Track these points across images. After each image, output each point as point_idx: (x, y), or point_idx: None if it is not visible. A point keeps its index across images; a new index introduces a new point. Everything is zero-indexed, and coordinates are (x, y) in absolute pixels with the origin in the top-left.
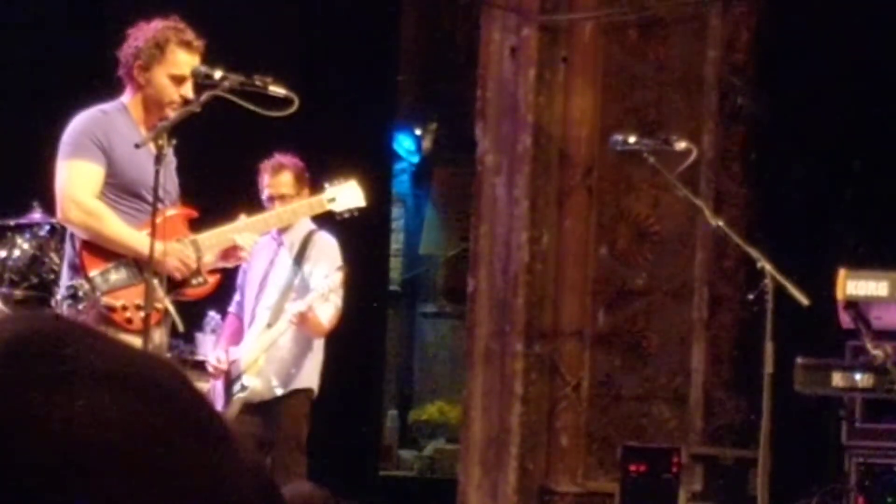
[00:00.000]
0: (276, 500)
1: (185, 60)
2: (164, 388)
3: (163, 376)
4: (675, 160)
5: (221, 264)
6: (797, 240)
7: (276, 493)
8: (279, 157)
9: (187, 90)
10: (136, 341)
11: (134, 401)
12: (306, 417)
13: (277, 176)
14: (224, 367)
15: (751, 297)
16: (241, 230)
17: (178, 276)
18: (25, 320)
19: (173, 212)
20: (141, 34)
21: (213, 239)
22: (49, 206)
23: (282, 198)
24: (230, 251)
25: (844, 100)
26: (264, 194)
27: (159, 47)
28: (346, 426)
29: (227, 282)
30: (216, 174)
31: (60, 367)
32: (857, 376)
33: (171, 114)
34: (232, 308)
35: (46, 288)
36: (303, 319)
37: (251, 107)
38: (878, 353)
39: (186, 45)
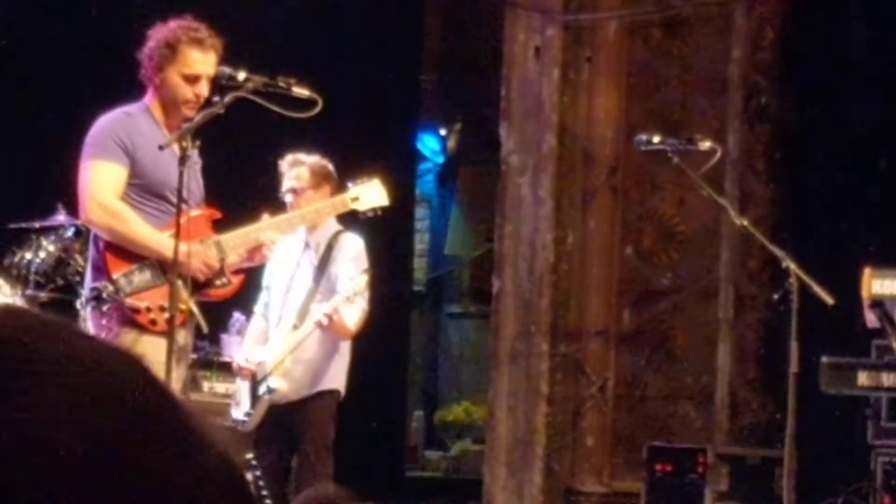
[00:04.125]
0: (245, 499)
1: (196, 59)
2: (120, 389)
3: (121, 373)
4: (699, 160)
5: (247, 264)
6: (822, 239)
7: (245, 493)
8: (300, 154)
9: (202, 89)
10: (160, 343)
11: (82, 404)
12: (333, 418)
13: (293, 170)
14: (252, 367)
15: (776, 296)
16: (265, 230)
17: (200, 277)
18: None
19: (197, 212)
20: (155, 35)
21: (237, 239)
22: (73, 208)
23: (294, 191)
24: (255, 250)
25: (869, 98)
26: (281, 188)
27: (170, 47)
28: (371, 427)
29: (252, 283)
30: (240, 175)
31: (5, 370)
32: (883, 375)
33: (189, 113)
34: (258, 308)
35: (72, 290)
36: (328, 322)
37: (275, 108)
38: None
39: (198, 43)
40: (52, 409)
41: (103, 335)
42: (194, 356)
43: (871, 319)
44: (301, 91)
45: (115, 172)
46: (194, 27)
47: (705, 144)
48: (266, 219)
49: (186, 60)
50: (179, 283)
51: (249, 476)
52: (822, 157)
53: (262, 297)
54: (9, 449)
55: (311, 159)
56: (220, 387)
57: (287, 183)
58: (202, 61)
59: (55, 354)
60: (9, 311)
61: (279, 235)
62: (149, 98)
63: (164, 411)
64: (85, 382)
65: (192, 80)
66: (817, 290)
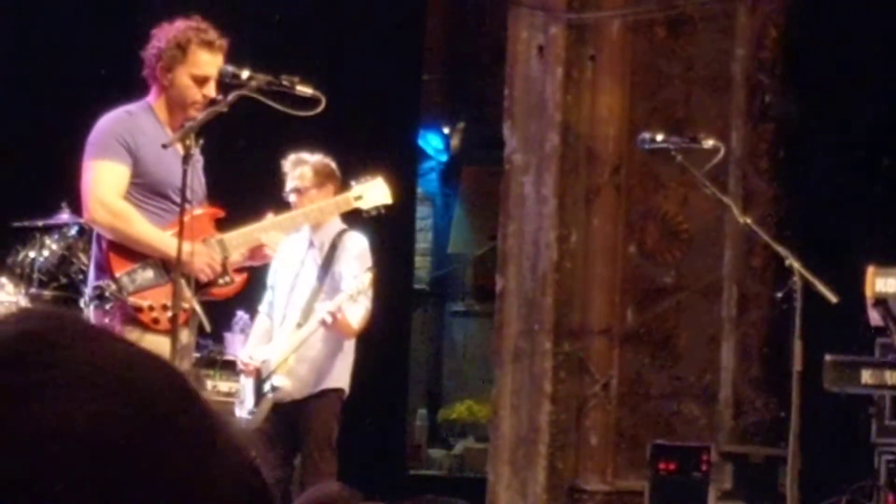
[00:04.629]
0: (265, 502)
1: (206, 61)
2: (147, 392)
3: (150, 376)
4: (703, 158)
5: (249, 263)
6: (825, 237)
7: (266, 496)
8: (302, 154)
9: (210, 90)
10: (163, 341)
11: (109, 406)
12: (337, 417)
13: (296, 169)
14: (256, 364)
15: (779, 294)
16: (269, 229)
17: (203, 278)
18: (14, 322)
19: (200, 211)
20: (163, 35)
21: (240, 238)
22: (77, 207)
23: (298, 191)
24: (257, 250)
25: (873, 96)
26: (285, 188)
27: (180, 48)
28: (373, 425)
29: (256, 281)
30: (243, 173)
31: (30, 375)
32: (887, 374)
33: (196, 114)
34: (262, 307)
35: (75, 288)
36: (332, 321)
37: (278, 106)
38: None
39: (208, 45)
40: (78, 406)
41: None
42: (198, 355)
43: (875, 318)
44: (304, 89)
45: (118, 172)
46: (204, 28)
47: (709, 143)
48: (270, 217)
49: (196, 62)
50: (182, 281)
51: None
52: (826, 156)
53: (267, 296)
54: (32, 442)
55: (314, 158)
56: (224, 385)
57: (290, 182)
58: (212, 63)
59: (89, 355)
60: (50, 313)
61: (281, 236)
62: (153, 97)
63: (190, 414)
64: (113, 383)
65: (201, 81)
66: (821, 288)
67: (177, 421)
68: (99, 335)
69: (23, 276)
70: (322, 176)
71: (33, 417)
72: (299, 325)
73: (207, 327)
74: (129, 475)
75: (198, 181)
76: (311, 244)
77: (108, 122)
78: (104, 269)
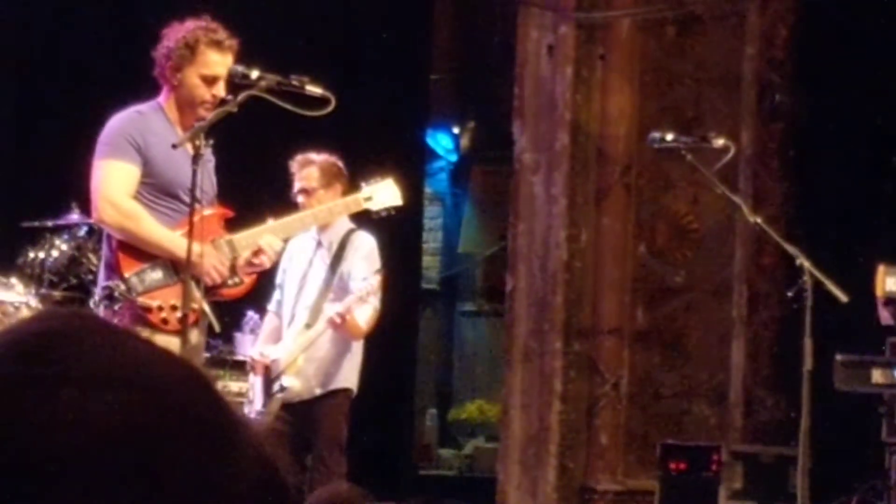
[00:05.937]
0: (280, 499)
1: (215, 60)
2: (167, 388)
3: (170, 375)
4: (713, 157)
5: (250, 269)
6: (836, 236)
7: (281, 493)
8: (309, 154)
9: (219, 90)
10: (172, 342)
11: (127, 400)
12: (345, 417)
13: (303, 170)
14: (266, 361)
15: (790, 294)
16: (277, 230)
17: (209, 282)
18: (39, 320)
19: (210, 212)
20: (173, 34)
21: (250, 239)
22: (87, 207)
23: (305, 192)
24: (258, 253)
25: (883, 96)
26: (293, 189)
27: (189, 48)
28: (382, 425)
29: (265, 282)
30: (252, 174)
31: (51, 368)
32: None
33: (205, 114)
34: (271, 306)
35: (85, 289)
36: (340, 321)
37: (288, 106)
38: None
39: (217, 44)
40: (97, 398)
41: None
42: (207, 355)
43: (885, 317)
44: (314, 89)
45: (128, 172)
46: (213, 28)
47: (719, 142)
48: (278, 219)
49: (206, 62)
50: (191, 282)
51: None
52: (836, 155)
53: (275, 296)
54: (50, 431)
55: (321, 158)
56: (234, 385)
57: (298, 183)
58: (221, 63)
59: (109, 351)
60: (73, 312)
61: (279, 242)
62: (163, 97)
63: (209, 411)
64: (132, 378)
65: (211, 81)
66: (831, 287)
67: (196, 417)
68: (120, 334)
69: (32, 277)
70: (329, 176)
71: (53, 407)
72: (307, 326)
73: (217, 328)
74: (147, 468)
75: (209, 181)
76: (320, 244)
77: (119, 122)
78: (114, 270)
